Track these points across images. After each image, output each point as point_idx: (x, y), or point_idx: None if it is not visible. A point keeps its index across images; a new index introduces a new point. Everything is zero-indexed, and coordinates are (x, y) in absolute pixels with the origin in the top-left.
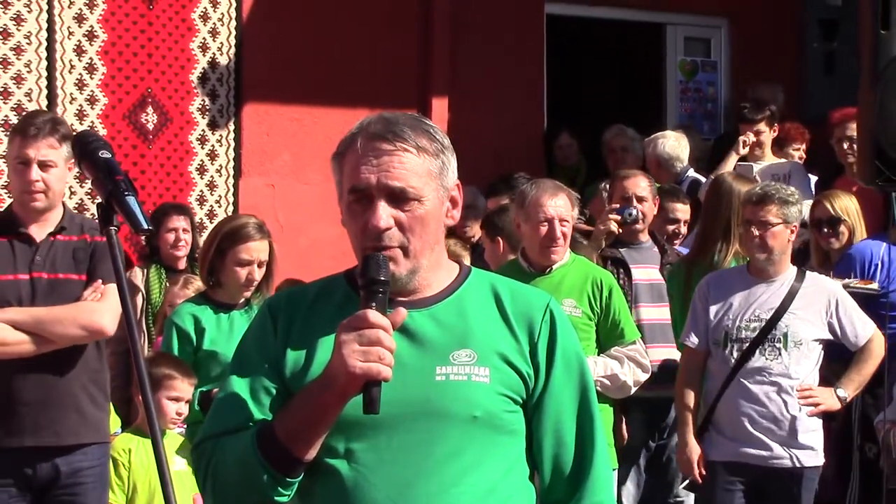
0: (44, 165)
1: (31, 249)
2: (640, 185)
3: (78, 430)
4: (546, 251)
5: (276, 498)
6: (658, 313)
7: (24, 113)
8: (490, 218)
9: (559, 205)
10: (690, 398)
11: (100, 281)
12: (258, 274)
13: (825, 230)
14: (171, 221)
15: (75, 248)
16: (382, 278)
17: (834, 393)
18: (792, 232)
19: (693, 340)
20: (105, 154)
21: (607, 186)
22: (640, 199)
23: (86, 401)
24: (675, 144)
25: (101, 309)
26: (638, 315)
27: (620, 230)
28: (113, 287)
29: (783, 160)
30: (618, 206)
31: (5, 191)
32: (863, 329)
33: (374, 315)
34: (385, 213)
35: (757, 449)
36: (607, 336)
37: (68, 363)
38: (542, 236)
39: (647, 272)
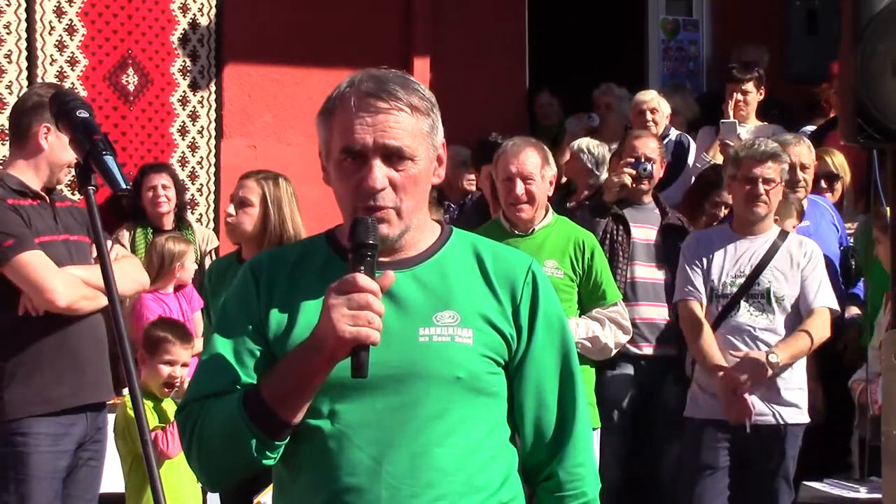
0: None
1: (49, 211)
2: (650, 145)
3: (111, 387)
4: (511, 209)
5: (263, 461)
6: (652, 273)
7: (5, 76)
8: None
9: (522, 161)
10: (709, 349)
11: (109, 242)
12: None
13: (822, 185)
14: (150, 180)
15: (72, 213)
16: (371, 241)
17: (766, 357)
18: (781, 191)
19: (686, 295)
20: (83, 113)
21: (577, 146)
22: (650, 160)
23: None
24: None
25: (139, 265)
26: (633, 273)
27: (634, 184)
28: (119, 246)
29: (766, 124)
30: (632, 160)
31: None
32: (821, 297)
33: (363, 279)
34: (381, 174)
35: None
36: (589, 297)
37: (102, 321)
38: (505, 194)
39: (645, 232)
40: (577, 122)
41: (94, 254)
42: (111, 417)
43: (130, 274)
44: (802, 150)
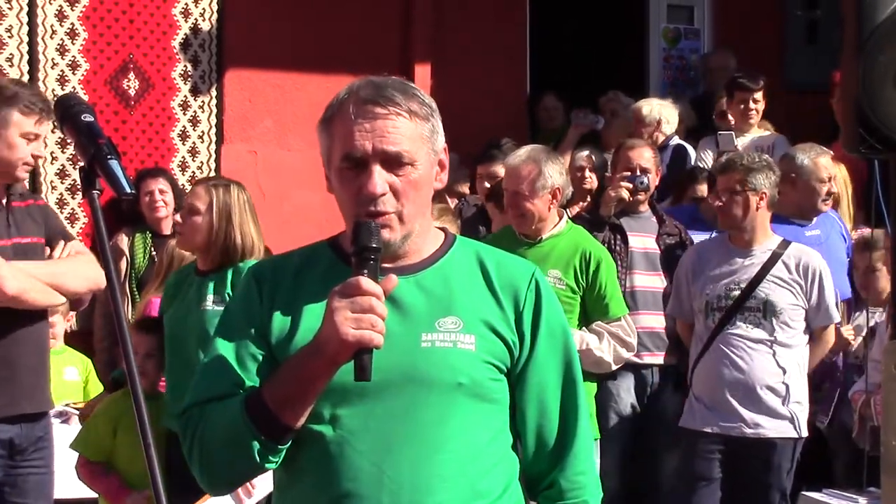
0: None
1: (3, 214)
2: (645, 155)
3: (51, 396)
4: (512, 220)
5: (265, 465)
6: (651, 282)
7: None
8: (497, 189)
9: (512, 177)
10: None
11: (63, 241)
12: None
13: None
14: (147, 185)
15: (30, 213)
16: (374, 245)
17: None
18: (761, 199)
19: (678, 312)
20: (88, 117)
21: (579, 158)
22: (644, 170)
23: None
24: (661, 109)
25: (95, 262)
26: (632, 282)
27: (631, 197)
28: (77, 242)
29: (767, 133)
30: (628, 173)
31: None
32: (825, 315)
33: (366, 282)
34: (381, 179)
35: (736, 419)
36: (593, 310)
37: (46, 329)
38: (505, 205)
39: (643, 241)
40: (584, 116)
41: (59, 252)
42: (60, 425)
43: (83, 272)
44: (829, 162)
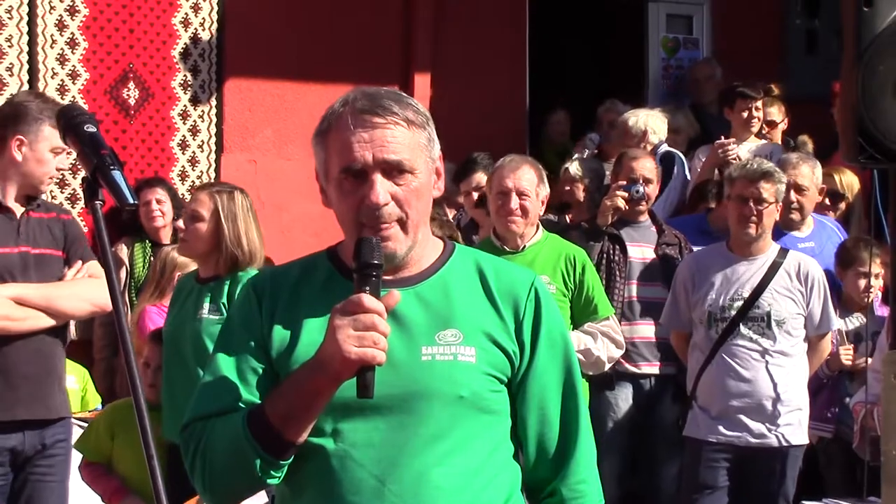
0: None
1: (13, 223)
2: (647, 166)
3: (61, 405)
4: (503, 222)
5: (267, 480)
6: (650, 291)
7: (6, 89)
8: (485, 198)
9: (518, 177)
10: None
11: (80, 261)
12: None
13: (826, 202)
14: (144, 195)
15: (49, 225)
16: (376, 262)
17: None
18: (778, 210)
19: (676, 324)
20: (90, 128)
21: (568, 169)
22: (647, 181)
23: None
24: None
25: (103, 285)
26: (630, 292)
27: (627, 206)
28: (95, 264)
29: (764, 142)
30: (625, 182)
31: None
32: (825, 323)
33: (368, 300)
34: (382, 189)
35: (741, 428)
36: (581, 312)
37: (58, 339)
38: (498, 208)
39: (642, 250)
40: (583, 149)
41: (72, 273)
42: (78, 432)
43: (87, 294)
44: (801, 172)
